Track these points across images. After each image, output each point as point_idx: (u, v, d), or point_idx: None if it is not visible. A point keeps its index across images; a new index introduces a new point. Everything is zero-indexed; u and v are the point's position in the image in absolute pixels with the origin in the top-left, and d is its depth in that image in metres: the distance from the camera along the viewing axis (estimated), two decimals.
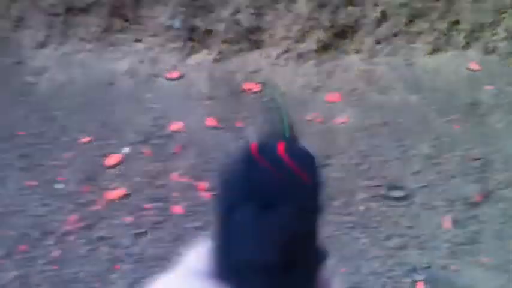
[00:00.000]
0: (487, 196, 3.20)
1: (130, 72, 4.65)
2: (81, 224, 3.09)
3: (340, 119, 4.07)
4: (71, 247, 2.96)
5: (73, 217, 3.12)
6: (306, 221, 1.02)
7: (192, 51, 4.90)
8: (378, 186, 3.37)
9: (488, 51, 4.58)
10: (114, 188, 3.37)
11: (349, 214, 3.19)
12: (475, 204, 3.16)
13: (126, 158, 3.62)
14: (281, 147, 1.02)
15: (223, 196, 1.03)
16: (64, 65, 4.79)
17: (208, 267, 1.01)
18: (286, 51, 4.84)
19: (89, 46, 4.92)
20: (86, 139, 3.80)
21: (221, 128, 4.00)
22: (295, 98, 4.36)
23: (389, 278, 2.78)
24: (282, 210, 0.98)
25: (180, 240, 3.00)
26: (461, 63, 4.58)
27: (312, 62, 4.75)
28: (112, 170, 3.53)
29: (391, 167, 3.54)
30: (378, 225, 3.11)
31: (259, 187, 0.97)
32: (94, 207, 3.21)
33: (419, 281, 2.74)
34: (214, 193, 1.01)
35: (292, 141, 1.04)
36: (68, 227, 3.07)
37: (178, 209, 3.20)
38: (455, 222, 3.05)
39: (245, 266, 0.97)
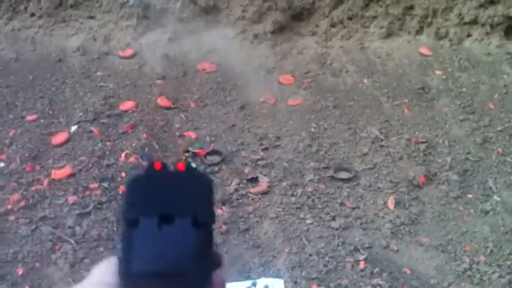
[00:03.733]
0: (429, 178, 3.27)
1: (81, 49, 4.57)
2: (24, 203, 3.04)
3: (293, 101, 4.08)
4: (11, 227, 2.91)
5: (15, 196, 3.06)
6: (202, 231, 1.10)
7: (146, 30, 4.84)
8: (325, 167, 3.41)
9: (440, 36, 4.65)
10: (60, 167, 3.32)
11: (296, 195, 3.22)
12: (418, 186, 3.23)
13: (73, 137, 3.56)
14: (181, 165, 1.13)
15: (124, 209, 1.10)
16: (13, 41, 4.67)
17: (114, 278, 1.08)
18: (242, 32, 4.82)
19: (39, 22, 4.81)
20: (32, 117, 3.73)
21: (173, 108, 3.97)
22: (249, 79, 4.36)
23: (332, 257, 2.82)
24: (180, 222, 1.06)
25: None
26: (414, 48, 4.64)
27: (267, 43, 4.75)
28: (59, 149, 3.48)
29: (339, 149, 3.58)
30: (323, 206, 3.14)
31: (158, 199, 1.05)
32: (38, 187, 3.16)
33: (361, 260, 2.80)
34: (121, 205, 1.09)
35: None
36: (9, 207, 3.02)
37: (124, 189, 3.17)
38: (398, 204, 3.11)
39: (143, 278, 1.05)
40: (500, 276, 2.65)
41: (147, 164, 1.16)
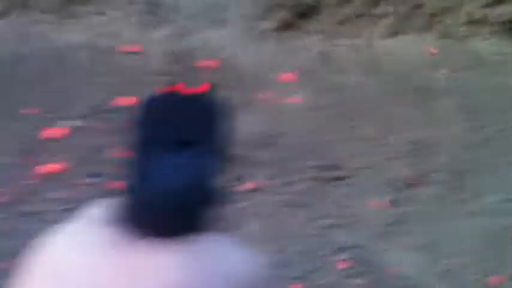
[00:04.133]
0: (421, 178, 3.24)
1: (88, 45, 4.62)
2: (11, 197, 3.08)
3: (294, 99, 4.08)
4: (1, 221, 2.96)
5: (6, 190, 3.11)
6: (219, 161, 1.06)
7: (154, 26, 4.88)
8: (319, 166, 3.40)
9: (446, 35, 4.59)
10: (53, 162, 3.36)
11: (289, 193, 3.22)
12: (409, 187, 3.20)
13: (70, 132, 3.61)
14: (200, 90, 1.08)
15: (139, 135, 1.02)
16: (22, 36, 4.75)
17: (113, 213, 1.02)
18: (248, 29, 4.83)
19: (49, 18, 4.88)
20: (30, 110, 3.78)
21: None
22: (253, 76, 4.37)
23: (318, 256, 2.82)
24: (197, 149, 0.98)
25: None
26: (420, 46, 4.59)
27: (272, 40, 4.75)
28: (54, 143, 3.53)
29: (335, 147, 3.57)
30: (314, 205, 3.14)
31: (174, 125, 0.99)
32: (28, 181, 3.20)
33: (347, 259, 2.79)
34: (130, 132, 1.02)
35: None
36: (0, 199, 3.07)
37: (118, 184, 3.20)
38: (388, 204, 3.10)
39: (158, 202, 0.98)
40: (480, 278, 2.64)
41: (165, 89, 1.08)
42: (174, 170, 0.96)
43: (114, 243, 0.99)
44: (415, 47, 4.61)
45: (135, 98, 4.00)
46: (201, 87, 1.10)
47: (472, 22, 4.54)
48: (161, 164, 0.96)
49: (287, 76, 4.33)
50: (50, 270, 1.02)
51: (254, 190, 3.24)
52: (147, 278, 0.97)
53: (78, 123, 3.70)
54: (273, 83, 4.27)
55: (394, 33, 4.71)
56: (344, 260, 2.78)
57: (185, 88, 1.08)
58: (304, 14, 4.86)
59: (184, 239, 1.00)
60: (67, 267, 1.00)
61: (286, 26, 4.81)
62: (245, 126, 3.80)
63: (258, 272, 1.10)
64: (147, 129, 1.01)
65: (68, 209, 3.00)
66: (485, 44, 4.46)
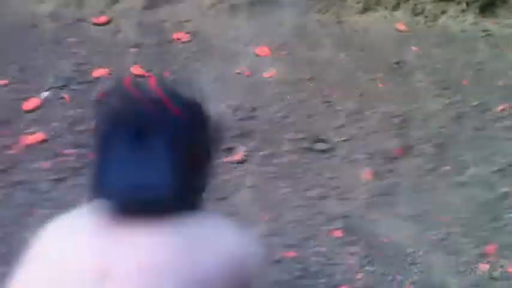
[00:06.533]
0: (405, 151, 3.30)
1: (54, 15, 4.44)
2: None
3: (268, 73, 4.06)
4: None
5: None
6: (179, 153, 1.07)
7: None
8: (302, 139, 3.41)
9: (416, 12, 4.67)
10: (32, 133, 3.24)
11: (273, 165, 3.22)
12: (394, 158, 3.26)
13: (45, 103, 3.48)
14: (153, 81, 1.08)
15: (99, 126, 1.05)
16: None
17: (96, 204, 1.06)
18: (218, 2, 4.76)
19: None
20: (2, 82, 3.62)
21: (147, 77, 3.91)
22: (224, 50, 4.31)
23: (308, 226, 2.84)
24: (154, 139, 0.99)
25: None
26: (390, 23, 4.65)
27: (244, 14, 4.70)
28: (30, 115, 3.39)
29: (315, 121, 3.58)
30: (300, 176, 3.15)
31: (131, 117, 1.01)
32: (10, 152, 3.08)
33: (338, 229, 2.82)
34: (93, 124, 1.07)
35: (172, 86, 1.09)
36: None
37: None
38: (374, 175, 3.14)
39: (118, 192, 1.01)
40: (475, 247, 2.72)
41: (116, 81, 1.10)
42: (135, 166, 0.98)
43: (102, 227, 1.03)
44: (385, 24, 4.66)
45: (106, 70, 3.90)
46: (152, 80, 1.12)
47: (440, 0, 4.64)
48: (120, 160, 0.99)
49: (261, 50, 4.30)
50: (43, 257, 1.06)
51: (239, 162, 3.22)
52: (136, 257, 0.99)
53: (51, 94, 3.56)
54: (247, 57, 4.23)
55: (364, 9, 4.75)
56: (336, 229, 2.80)
57: (138, 82, 1.10)
58: None
59: (172, 221, 1.02)
60: (58, 253, 1.04)
61: (258, 0, 4.76)
62: (222, 99, 3.76)
63: (249, 249, 1.12)
64: (105, 125, 1.03)
65: (56, 179, 2.90)
66: (454, 22, 4.57)
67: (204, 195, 1.13)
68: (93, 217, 1.04)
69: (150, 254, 0.99)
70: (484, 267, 2.66)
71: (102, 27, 4.39)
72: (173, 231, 1.01)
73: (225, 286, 1.02)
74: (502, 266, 2.65)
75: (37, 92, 3.58)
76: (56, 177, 2.92)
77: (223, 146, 3.30)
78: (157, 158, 1.01)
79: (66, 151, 3.11)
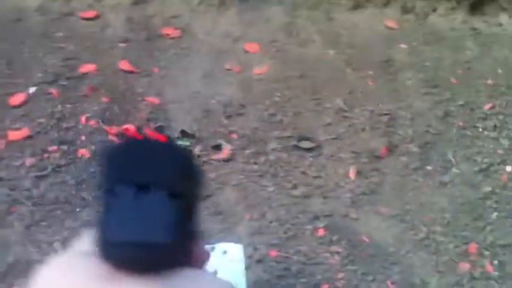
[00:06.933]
0: (391, 150, 3.30)
1: (41, 9, 4.41)
2: None
3: (258, 70, 4.05)
4: None
5: None
6: (178, 202, 1.14)
7: None
8: (289, 137, 3.41)
9: (405, 10, 4.66)
10: (17, 129, 3.23)
11: (259, 163, 3.22)
12: (379, 157, 3.26)
13: (32, 98, 3.46)
14: (159, 136, 1.16)
15: (103, 179, 1.11)
16: None
17: (91, 247, 1.10)
18: None
19: None
20: None
21: (136, 73, 3.89)
22: (213, 46, 4.30)
23: (292, 224, 2.84)
24: (156, 193, 1.05)
25: (83, 184, 2.93)
26: (380, 20, 4.64)
27: (233, 10, 4.69)
28: (16, 110, 3.37)
29: (303, 118, 3.58)
30: (286, 175, 3.15)
31: (135, 169, 1.07)
32: None
33: (321, 227, 2.82)
34: (98, 175, 1.13)
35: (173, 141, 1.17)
36: None
37: (84, 152, 3.12)
38: (359, 174, 3.14)
39: (116, 247, 1.05)
40: (456, 246, 2.72)
41: (126, 135, 1.21)
42: (137, 217, 1.02)
43: (98, 273, 1.06)
44: (375, 21, 4.66)
45: (94, 65, 3.89)
46: (161, 136, 1.19)
47: None
48: (123, 209, 1.03)
49: (250, 46, 4.29)
50: None
51: (225, 160, 3.22)
52: None
53: (37, 90, 3.55)
54: (236, 54, 4.22)
55: (353, 6, 4.74)
56: (319, 228, 2.81)
57: (146, 136, 1.16)
58: None
59: (160, 275, 1.07)
60: None
61: None
62: (212, 96, 3.76)
63: None
64: (110, 174, 1.08)
65: (39, 176, 2.89)
66: (444, 20, 4.56)
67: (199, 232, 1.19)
68: (89, 264, 1.08)
69: None
70: (464, 266, 2.67)
71: (90, 21, 4.37)
72: (164, 284, 1.06)
73: None
74: (482, 266, 2.67)
75: (24, 87, 3.57)
76: (38, 174, 2.92)
77: (210, 144, 3.31)
78: (158, 213, 1.04)
79: (51, 148, 3.10)
